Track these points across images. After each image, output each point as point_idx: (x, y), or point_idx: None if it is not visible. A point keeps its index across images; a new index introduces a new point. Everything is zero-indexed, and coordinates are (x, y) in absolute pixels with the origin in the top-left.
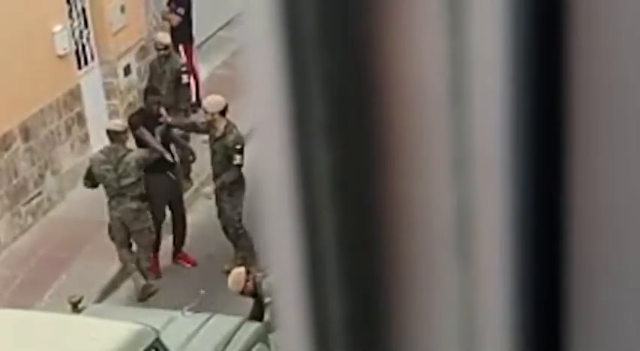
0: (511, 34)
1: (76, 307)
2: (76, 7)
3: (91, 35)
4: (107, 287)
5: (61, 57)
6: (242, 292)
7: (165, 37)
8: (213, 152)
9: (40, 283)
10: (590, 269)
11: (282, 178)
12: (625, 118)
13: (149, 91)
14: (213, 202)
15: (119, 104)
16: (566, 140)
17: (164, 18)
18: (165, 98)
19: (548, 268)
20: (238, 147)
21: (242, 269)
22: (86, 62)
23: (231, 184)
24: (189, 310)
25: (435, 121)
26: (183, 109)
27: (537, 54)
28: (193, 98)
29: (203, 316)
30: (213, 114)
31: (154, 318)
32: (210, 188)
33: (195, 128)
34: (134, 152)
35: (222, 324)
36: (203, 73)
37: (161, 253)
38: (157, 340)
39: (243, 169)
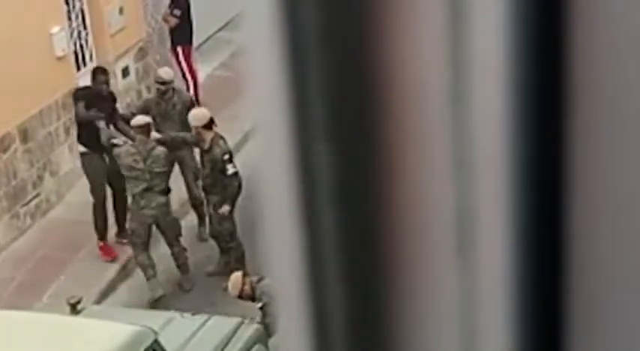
0: (511, 34)
1: (74, 309)
2: (74, 8)
3: (90, 37)
4: (106, 288)
5: (59, 58)
6: (240, 296)
7: (167, 73)
8: (202, 165)
9: (38, 284)
10: (591, 269)
11: (283, 178)
12: (625, 119)
13: (98, 72)
14: None
15: (118, 105)
16: (566, 140)
17: (164, 19)
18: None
19: (548, 268)
20: (226, 157)
21: (239, 273)
22: (85, 64)
23: (220, 199)
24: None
25: (435, 121)
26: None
27: (537, 54)
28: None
29: (201, 317)
30: (197, 127)
31: (153, 319)
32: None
33: (185, 142)
34: (161, 147)
35: (220, 325)
36: (201, 74)
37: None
38: (156, 341)
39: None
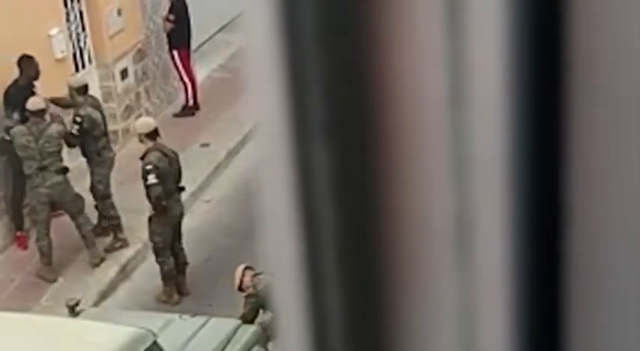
0: (510, 38)
1: (73, 311)
2: (73, 10)
3: (88, 38)
4: (105, 290)
5: (58, 60)
6: (240, 289)
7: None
8: None
9: (37, 286)
10: (590, 270)
11: (282, 178)
12: (624, 120)
13: (23, 59)
14: (211, 205)
15: (117, 107)
16: (565, 142)
17: (164, 21)
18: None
19: (547, 270)
20: (149, 167)
21: (242, 266)
22: (83, 65)
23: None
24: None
25: (434, 124)
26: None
27: (536, 57)
28: (190, 101)
29: (200, 319)
30: (140, 135)
31: (152, 321)
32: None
33: None
34: (54, 125)
35: (219, 327)
36: (200, 75)
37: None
38: (155, 343)
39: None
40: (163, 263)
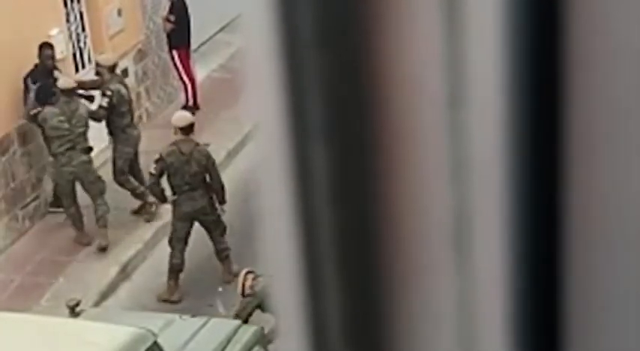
0: (509, 37)
1: (73, 311)
2: (73, 10)
3: (88, 39)
4: (105, 290)
5: (58, 60)
6: (243, 294)
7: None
8: None
9: (37, 286)
10: (589, 270)
11: (281, 180)
12: (623, 121)
13: (44, 46)
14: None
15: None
16: (563, 142)
17: (164, 21)
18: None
19: (546, 270)
20: (156, 157)
21: (244, 271)
22: (83, 65)
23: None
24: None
25: (432, 124)
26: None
27: (535, 57)
28: (190, 101)
29: (200, 319)
30: (175, 127)
31: (152, 321)
32: None
33: None
34: (84, 105)
35: (219, 327)
36: (199, 76)
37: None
38: (155, 343)
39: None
40: (171, 256)
